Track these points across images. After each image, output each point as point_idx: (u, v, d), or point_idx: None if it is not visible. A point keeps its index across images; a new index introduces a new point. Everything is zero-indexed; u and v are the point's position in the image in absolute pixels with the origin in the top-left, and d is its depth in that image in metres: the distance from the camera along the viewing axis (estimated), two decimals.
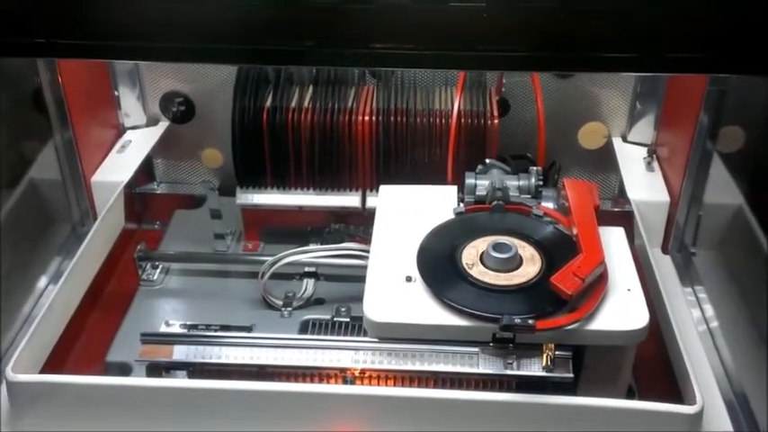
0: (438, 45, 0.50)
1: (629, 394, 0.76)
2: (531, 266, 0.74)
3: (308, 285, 0.92)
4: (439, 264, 0.75)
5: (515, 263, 0.74)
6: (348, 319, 0.87)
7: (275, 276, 0.90)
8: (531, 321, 0.66)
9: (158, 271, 0.96)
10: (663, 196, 0.97)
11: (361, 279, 0.75)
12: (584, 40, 0.51)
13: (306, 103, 0.93)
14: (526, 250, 0.76)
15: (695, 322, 0.87)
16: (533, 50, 0.50)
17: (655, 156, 1.02)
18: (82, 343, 0.87)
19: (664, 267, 0.93)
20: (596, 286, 0.71)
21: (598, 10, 0.50)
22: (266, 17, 0.52)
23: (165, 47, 0.55)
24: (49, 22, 0.55)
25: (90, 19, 0.55)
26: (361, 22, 0.50)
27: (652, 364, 0.79)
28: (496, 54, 0.50)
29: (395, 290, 0.73)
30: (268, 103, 0.93)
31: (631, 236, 0.90)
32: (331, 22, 0.50)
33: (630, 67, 0.61)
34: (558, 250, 0.75)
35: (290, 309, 0.90)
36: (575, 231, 0.76)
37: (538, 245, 0.77)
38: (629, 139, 1.05)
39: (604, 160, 1.05)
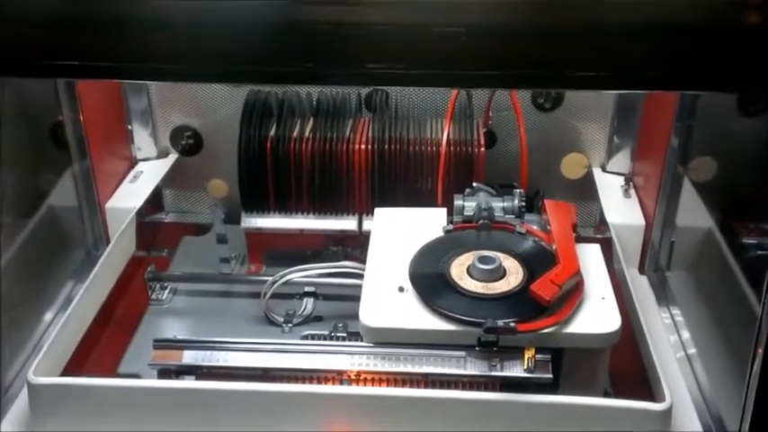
0: (423, 65, 0.57)
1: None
2: (513, 277, 0.80)
3: (308, 304, 0.98)
4: (429, 275, 0.81)
5: (499, 274, 0.80)
6: (345, 335, 0.92)
7: (277, 296, 0.95)
8: (512, 324, 0.73)
9: (167, 291, 1.02)
10: (639, 220, 1.04)
11: (357, 299, 0.81)
12: (556, 60, 0.58)
13: (307, 134, 1.00)
14: (509, 263, 0.82)
15: (667, 331, 0.92)
16: (508, 70, 0.57)
17: (631, 183, 1.09)
18: (95, 356, 0.92)
19: (640, 285, 0.99)
20: (573, 294, 0.77)
21: (568, 34, 0.57)
22: (269, 42, 0.59)
23: (175, 68, 0.61)
24: (65, 46, 0.60)
25: (104, 42, 0.59)
26: (355, 46, 0.57)
27: (629, 377, 0.84)
28: (475, 73, 0.57)
29: (388, 298, 0.79)
30: (272, 132, 1.00)
31: (610, 259, 0.96)
32: (328, 45, 0.57)
33: (603, 85, 0.66)
34: (538, 263, 0.82)
35: (290, 325, 0.95)
36: (555, 247, 0.83)
37: (520, 258, 0.83)
38: (608, 169, 1.12)
39: (585, 189, 1.12)
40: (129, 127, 1.14)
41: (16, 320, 0.87)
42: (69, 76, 0.85)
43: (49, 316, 0.95)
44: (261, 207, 1.03)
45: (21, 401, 0.80)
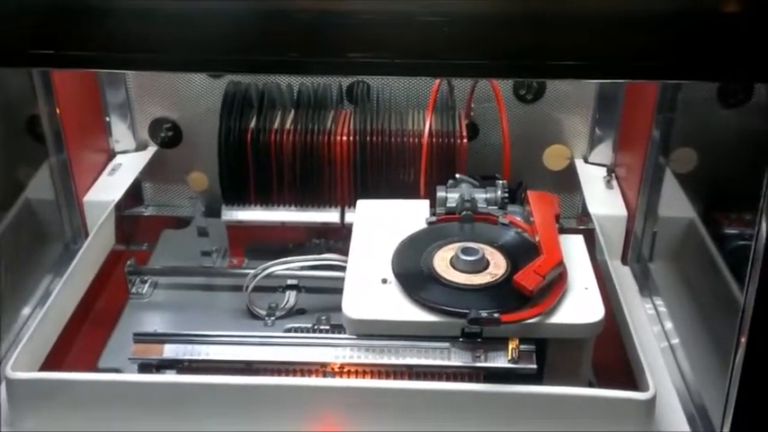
0: (405, 54, 0.56)
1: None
2: (497, 268, 0.80)
3: (291, 297, 0.97)
4: (412, 267, 0.81)
5: (482, 265, 0.80)
6: (328, 327, 0.92)
7: (259, 289, 0.95)
8: (496, 315, 0.72)
9: (147, 285, 1.01)
10: (621, 211, 1.04)
11: (340, 291, 0.80)
12: (539, 49, 0.58)
13: (287, 125, 1.00)
14: (493, 254, 0.82)
15: (650, 322, 0.93)
16: (491, 59, 0.57)
17: (613, 175, 1.10)
18: (75, 350, 0.91)
19: (622, 276, 1.00)
20: (556, 284, 0.77)
21: (550, 23, 0.57)
22: (249, 30, 0.58)
23: (153, 57, 0.60)
24: (40, 34, 0.59)
25: (80, 31, 0.58)
26: (336, 35, 0.56)
27: (613, 367, 0.85)
28: (457, 62, 0.57)
29: (372, 290, 0.79)
30: (252, 124, 0.99)
31: (593, 250, 0.96)
32: (310, 34, 0.57)
33: (585, 74, 0.66)
34: (522, 254, 0.81)
35: (273, 318, 0.95)
36: (538, 238, 0.82)
37: (504, 249, 0.83)
38: (591, 160, 1.13)
39: (568, 181, 1.12)
40: (107, 119, 1.13)
41: None
42: (44, 66, 0.84)
43: (27, 310, 0.93)
44: (242, 200, 1.02)
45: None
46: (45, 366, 0.83)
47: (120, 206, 1.07)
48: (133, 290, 1.00)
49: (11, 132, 0.96)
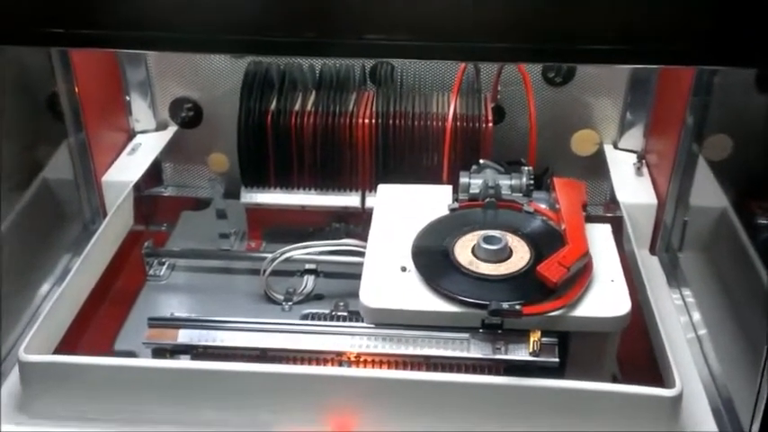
0: (428, 36, 0.54)
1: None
2: (520, 258, 0.78)
3: (308, 282, 0.96)
4: (432, 255, 0.79)
5: (505, 254, 0.78)
6: (346, 314, 0.90)
7: (277, 273, 0.93)
8: (518, 307, 0.70)
9: (165, 267, 0.99)
10: (651, 199, 1.01)
11: (359, 276, 0.79)
12: (569, 33, 0.55)
13: (308, 107, 0.98)
14: (516, 243, 0.79)
15: (678, 312, 0.90)
16: (518, 42, 0.54)
17: (644, 161, 1.06)
18: (90, 332, 0.90)
19: (651, 266, 0.97)
20: (581, 276, 0.74)
21: (581, 5, 0.54)
22: (269, 10, 0.56)
23: (171, 37, 0.59)
24: (60, 13, 0.58)
25: (100, 9, 0.58)
26: (358, 15, 0.54)
27: (639, 361, 0.82)
28: (483, 46, 0.54)
29: (390, 278, 0.77)
30: (273, 105, 0.98)
31: (621, 240, 0.93)
32: (331, 14, 0.55)
33: (618, 59, 0.63)
34: (546, 243, 0.79)
35: (290, 303, 0.93)
36: (563, 227, 0.80)
37: (528, 238, 0.80)
38: (620, 146, 1.09)
39: (596, 167, 1.09)
40: (127, 98, 1.12)
41: (11, 295, 0.85)
42: (55, 45, 0.82)
43: (44, 291, 0.93)
44: (261, 182, 1.00)
45: (13, 378, 0.78)
46: (61, 348, 0.83)
47: (139, 186, 1.06)
48: (151, 271, 0.99)
49: (30, 111, 0.95)
